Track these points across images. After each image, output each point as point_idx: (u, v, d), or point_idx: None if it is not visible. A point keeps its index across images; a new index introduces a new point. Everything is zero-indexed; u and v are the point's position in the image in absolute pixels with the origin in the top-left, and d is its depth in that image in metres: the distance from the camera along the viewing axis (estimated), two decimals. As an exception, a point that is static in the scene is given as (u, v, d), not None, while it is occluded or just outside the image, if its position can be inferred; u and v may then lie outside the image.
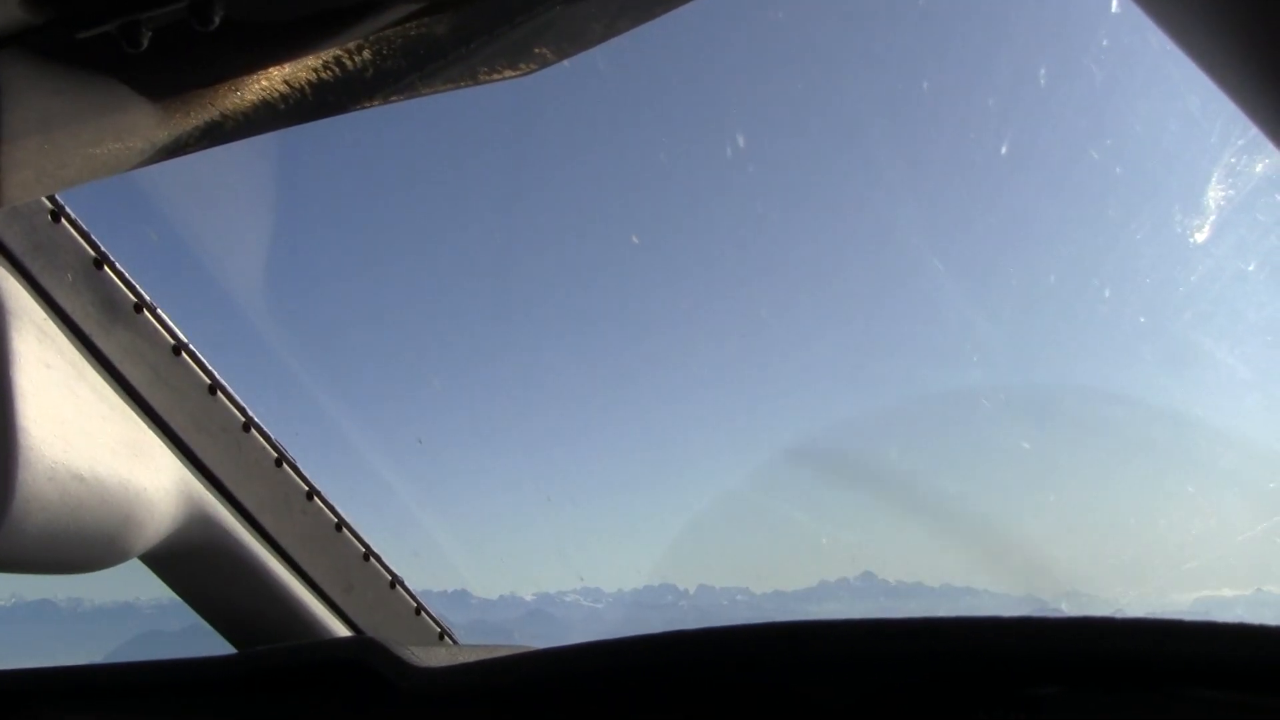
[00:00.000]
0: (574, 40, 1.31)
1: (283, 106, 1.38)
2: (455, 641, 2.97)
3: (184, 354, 2.21)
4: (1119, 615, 1.30)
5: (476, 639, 2.31)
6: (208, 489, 2.28)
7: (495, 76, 1.35)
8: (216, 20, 1.17)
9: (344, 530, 2.62)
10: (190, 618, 2.12)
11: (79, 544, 1.98)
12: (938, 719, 1.45)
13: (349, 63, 1.31)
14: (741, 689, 1.61)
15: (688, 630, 1.55)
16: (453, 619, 2.96)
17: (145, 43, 1.21)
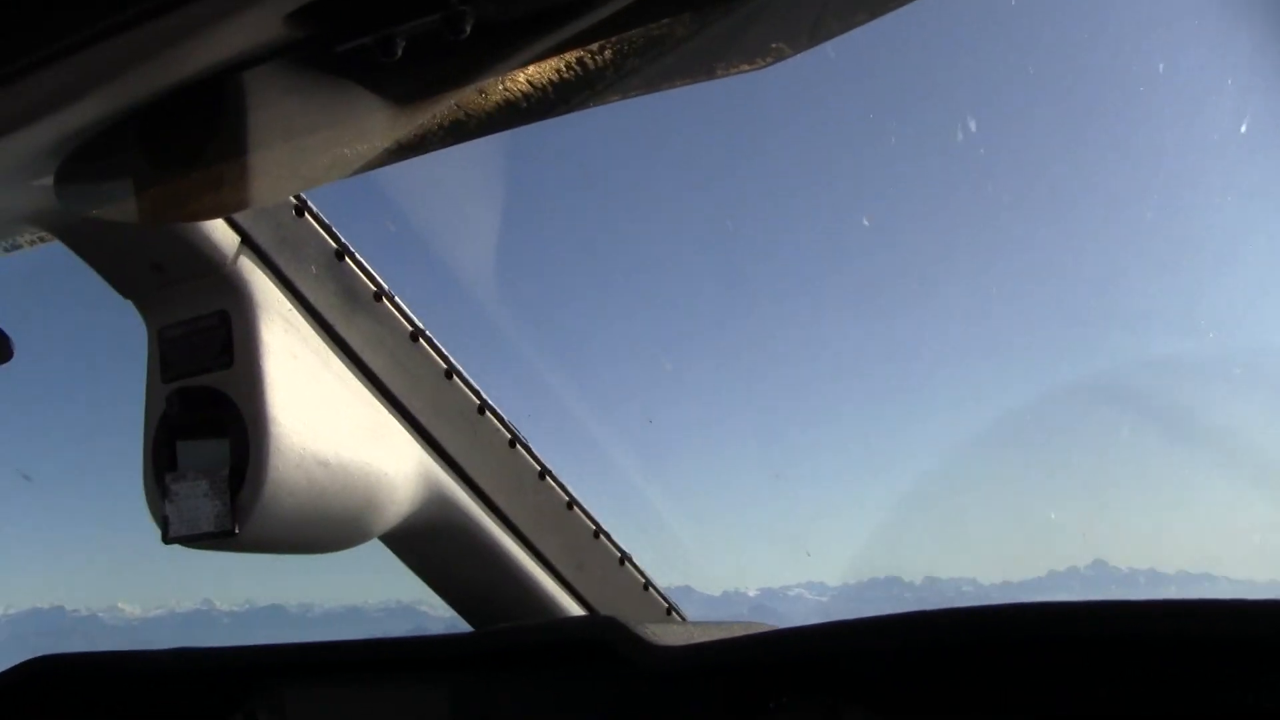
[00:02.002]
0: (810, 34, 1.30)
1: (525, 105, 1.39)
2: (684, 618, 2.99)
3: (421, 340, 2.27)
4: None
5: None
6: (445, 470, 2.34)
7: (732, 71, 1.34)
8: (468, 30, 1.19)
9: (575, 509, 2.66)
10: (416, 620, 2.17)
11: (325, 526, 2.06)
12: (1179, 698, 1.40)
13: (590, 62, 1.32)
14: (979, 669, 1.58)
15: (930, 610, 1.53)
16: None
17: (399, 52, 1.24)
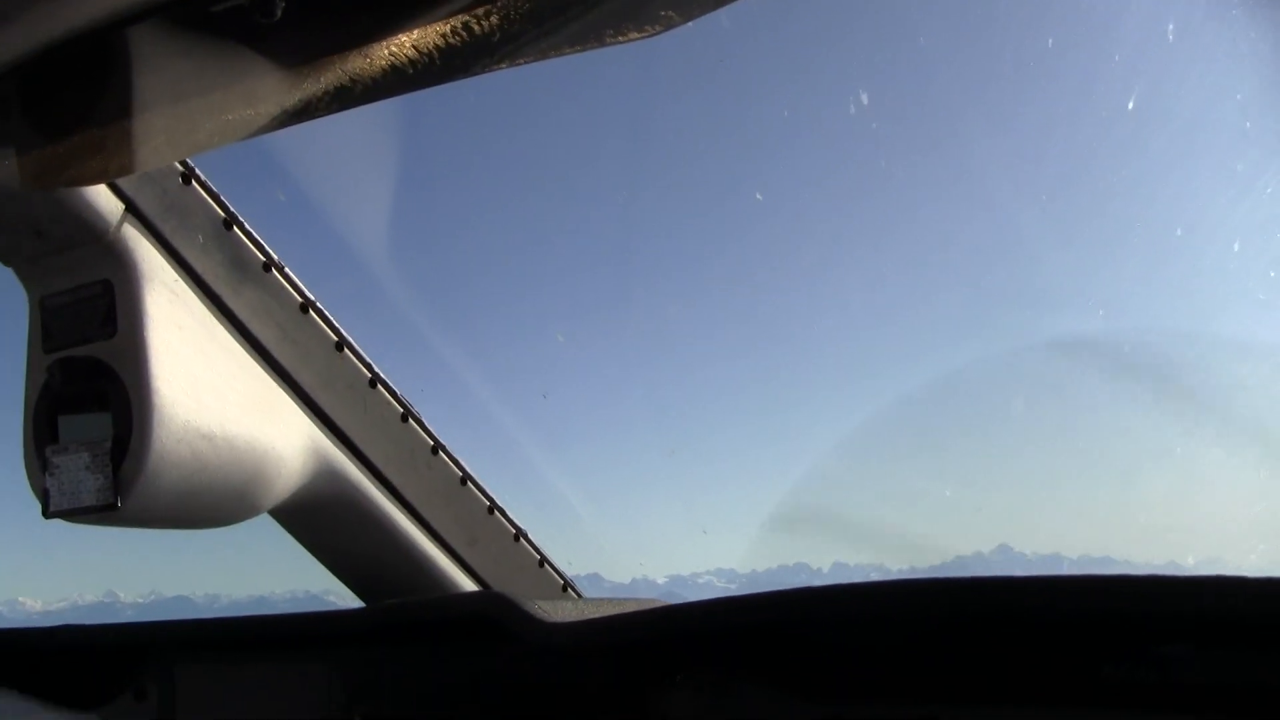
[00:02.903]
0: (698, 2, 1.30)
1: (411, 71, 1.38)
2: (579, 595, 3.00)
3: (311, 311, 2.24)
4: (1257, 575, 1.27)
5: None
6: (335, 445, 2.32)
7: (620, 38, 1.34)
8: None
9: (469, 484, 2.65)
10: (323, 609, 2.16)
11: (210, 500, 2.03)
12: (1063, 671, 1.43)
13: (476, 27, 1.31)
14: (869, 644, 1.60)
15: (818, 586, 1.55)
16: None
17: (279, 13, 1.23)
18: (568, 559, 2.94)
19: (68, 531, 2.01)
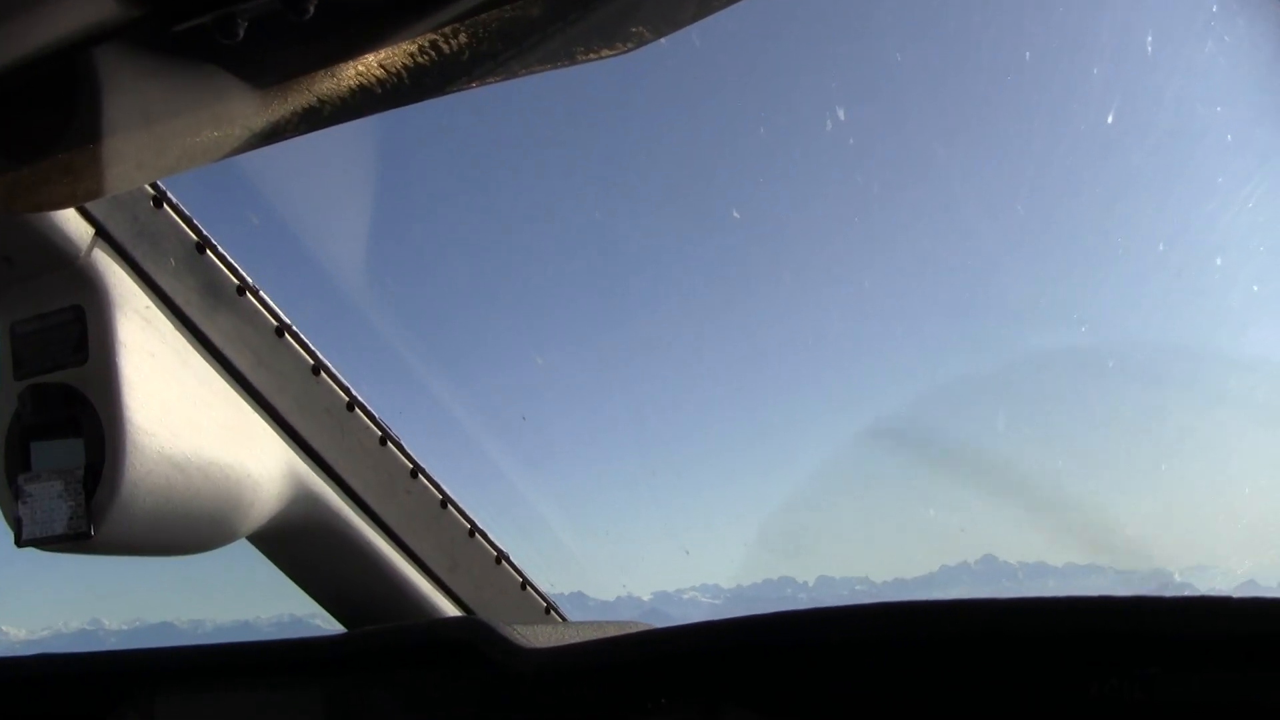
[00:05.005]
0: (669, 18, 1.29)
1: (379, 91, 1.37)
2: (563, 617, 2.98)
3: (287, 335, 2.22)
4: (1240, 595, 1.26)
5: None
6: (313, 469, 2.30)
7: (593, 56, 1.33)
8: (311, 10, 1.17)
9: (449, 507, 2.63)
10: (307, 633, 2.14)
11: (186, 526, 2.01)
12: (1050, 692, 1.42)
13: (445, 46, 1.30)
14: (853, 667, 1.59)
15: (800, 610, 1.54)
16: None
17: (241, 34, 1.22)
18: (550, 580, 2.93)
19: (49, 558, 1.99)
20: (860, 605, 1.51)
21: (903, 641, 1.51)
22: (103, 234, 1.92)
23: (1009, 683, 1.46)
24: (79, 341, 1.90)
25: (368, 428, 2.43)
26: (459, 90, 1.38)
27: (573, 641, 1.79)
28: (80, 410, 1.88)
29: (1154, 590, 1.29)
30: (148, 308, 1.98)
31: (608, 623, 2.16)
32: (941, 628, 1.45)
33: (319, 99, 1.39)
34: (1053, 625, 1.37)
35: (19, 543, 1.91)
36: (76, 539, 1.85)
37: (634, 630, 2.00)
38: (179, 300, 2.04)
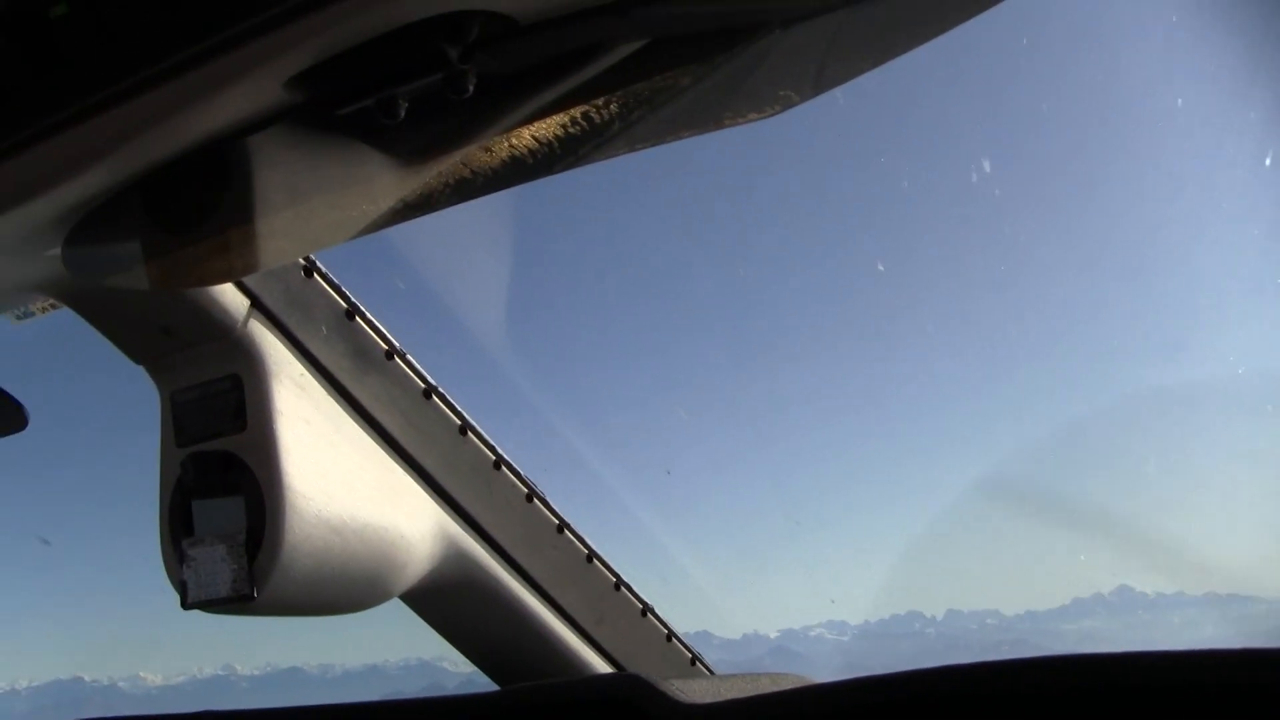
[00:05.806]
0: (816, 81, 1.29)
1: (531, 161, 1.39)
2: (709, 669, 2.96)
3: (434, 397, 2.26)
4: None
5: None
6: (462, 527, 2.32)
7: (740, 120, 1.33)
8: (470, 89, 1.19)
9: (594, 561, 2.64)
10: (434, 677, 2.15)
11: (343, 587, 2.04)
12: None
13: (596, 116, 1.31)
14: None
15: (962, 665, 1.51)
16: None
17: (402, 114, 1.24)
18: (676, 619, 2.91)
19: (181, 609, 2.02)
20: (1027, 659, 1.47)
21: (1074, 695, 1.47)
22: (258, 305, 1.98)
23: None
24: (237, 409, 1.95)
25: (514, 485, 2.45)
26: (608, 158, 1.38)
27: (730, 696, 1.77)
28: (240, 476, 1.92)
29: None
30: (301, 375, 2.03)
31: (760, 675, 2.14)
32: (1149, 679, 1.40)
33: (471, 171, 1.41)
34: (1226, 677, 1.33)
35: (185, 605, 1.94)
36: (240, 601, 1.88)
37: (789, 681, 1.97)
38: (330, 366, 2.08)
